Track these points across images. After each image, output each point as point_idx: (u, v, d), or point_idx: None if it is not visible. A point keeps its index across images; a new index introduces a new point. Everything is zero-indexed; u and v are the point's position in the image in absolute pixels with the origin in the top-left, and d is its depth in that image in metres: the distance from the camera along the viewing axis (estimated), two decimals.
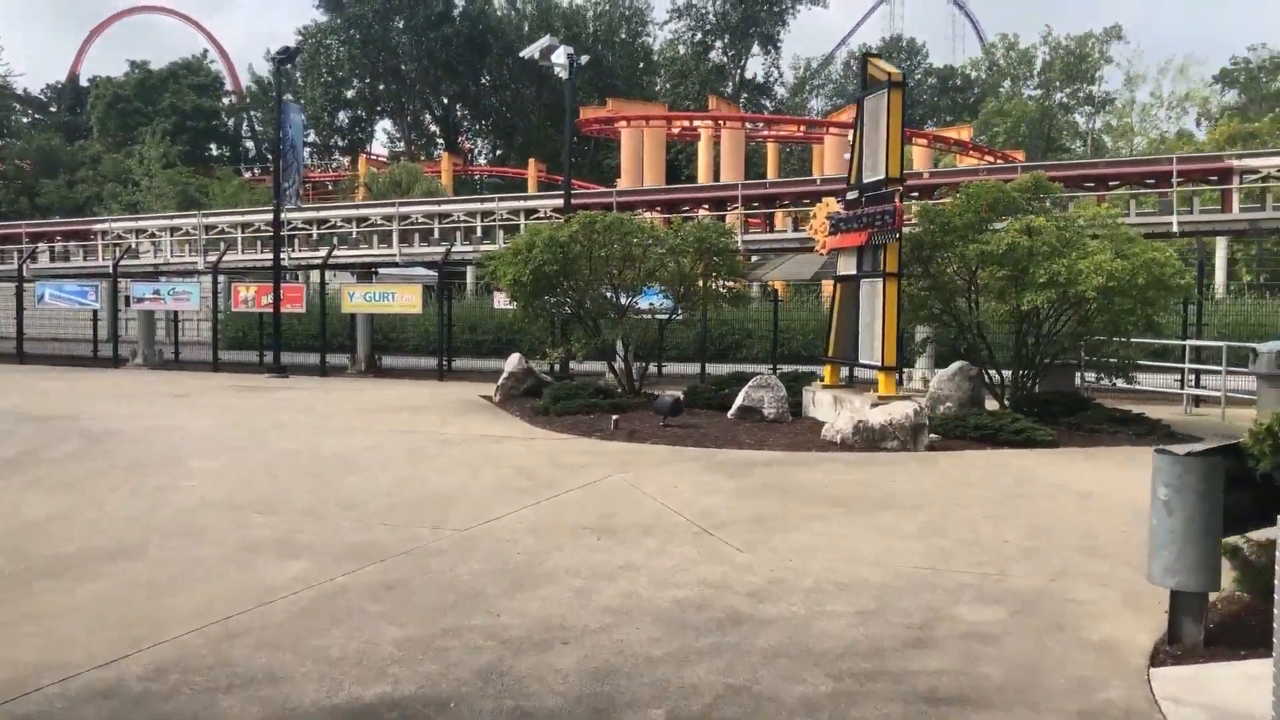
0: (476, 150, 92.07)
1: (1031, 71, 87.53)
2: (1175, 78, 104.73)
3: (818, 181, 25.17)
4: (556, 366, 21.90)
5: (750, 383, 15.94)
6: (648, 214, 22.66)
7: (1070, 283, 13.67)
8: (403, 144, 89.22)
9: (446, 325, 27.62)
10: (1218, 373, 17.85)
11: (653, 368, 21.54)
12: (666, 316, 18.40)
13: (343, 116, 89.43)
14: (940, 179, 23.45)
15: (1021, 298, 14.14)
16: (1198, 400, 18.91)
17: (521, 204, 26.68)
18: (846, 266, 15.74)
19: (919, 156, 52.55)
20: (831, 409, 15.40)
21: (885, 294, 14.25)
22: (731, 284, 18.24)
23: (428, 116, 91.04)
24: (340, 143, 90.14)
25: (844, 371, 17.96)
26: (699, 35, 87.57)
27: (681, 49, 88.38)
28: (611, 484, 10.68)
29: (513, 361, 19.42)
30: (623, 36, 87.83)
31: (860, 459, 12.56)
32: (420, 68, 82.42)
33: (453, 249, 26.18)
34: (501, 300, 24.04)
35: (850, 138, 15.50)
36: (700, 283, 17.77)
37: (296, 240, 28.82)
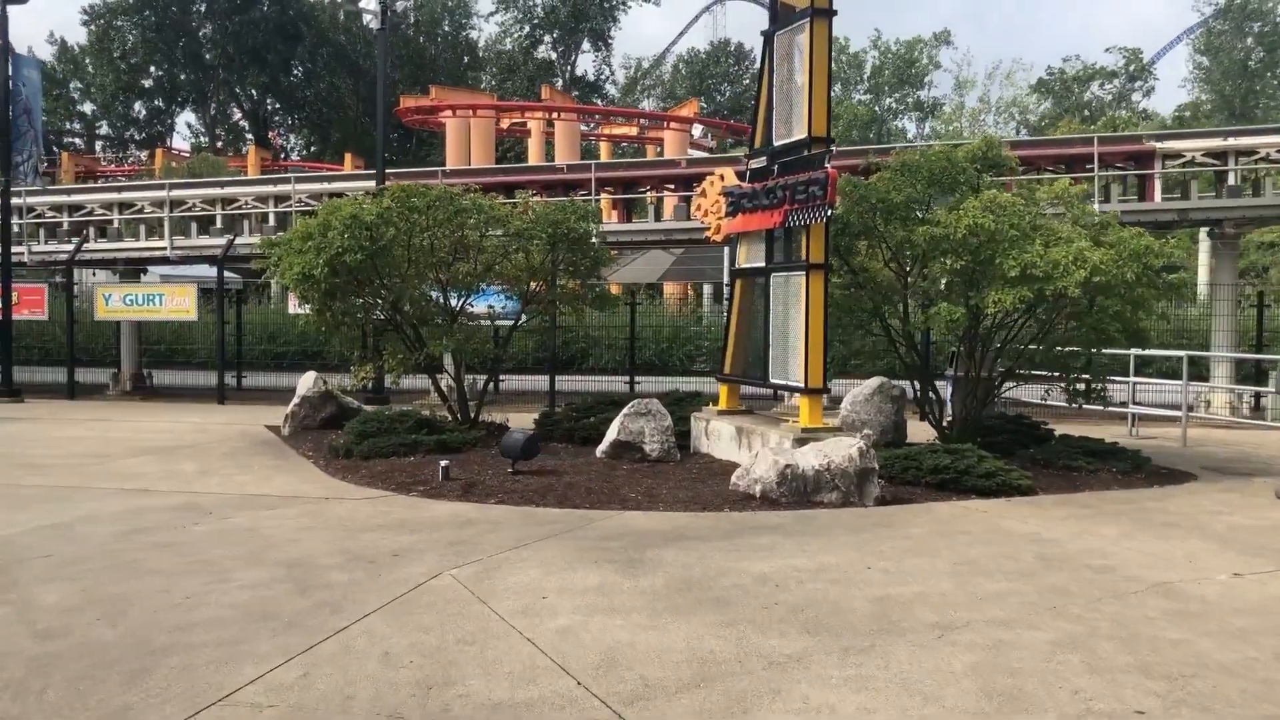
0: (289, 146, 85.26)
1: (862, 76, 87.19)
2: (1003, 83, 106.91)
3: (682, 164, 21.57)
4: (369, 386, 17.50)
5: (626, 410, 12.07)
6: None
7: (1049, 277, 10.37)
8: (207, 138, 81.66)
9: (235, 334, 22.72)
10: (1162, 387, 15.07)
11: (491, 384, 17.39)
12: (512, 323, 14.34)
13: (139, 107, 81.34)
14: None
15: (984, 297, 10.76)
16: (1135, 418, 16.12)
17: (325, 186, 22.05)
18: (751, 257, 12.06)
19: None
20: (735, 444, 11.68)
21: (809, 292, 10.64)
22: (594, 281, 14.31)
23: (235, 109, 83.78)
24: (137, 135, 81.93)
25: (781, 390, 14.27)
26: (527, 29, 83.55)
27: (509, 43, 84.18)
28: (440, 595, 6.61)
29: (306, 382, 14.96)
30: (446, 29, 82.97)
31: (798, 523, 8.87)
32: (225, 55, 75.39)
33: (237, 240, 21.31)
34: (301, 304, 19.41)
35: (758, 90, 11.86)
36: (549, 280, 13.81)
37: (42, 231, 23.33)
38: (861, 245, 12.08)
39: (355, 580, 6.91)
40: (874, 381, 13.78)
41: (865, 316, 11.97)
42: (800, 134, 10.89)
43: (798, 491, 9.70)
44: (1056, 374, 11.90)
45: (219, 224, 22.17)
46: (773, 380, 11.55)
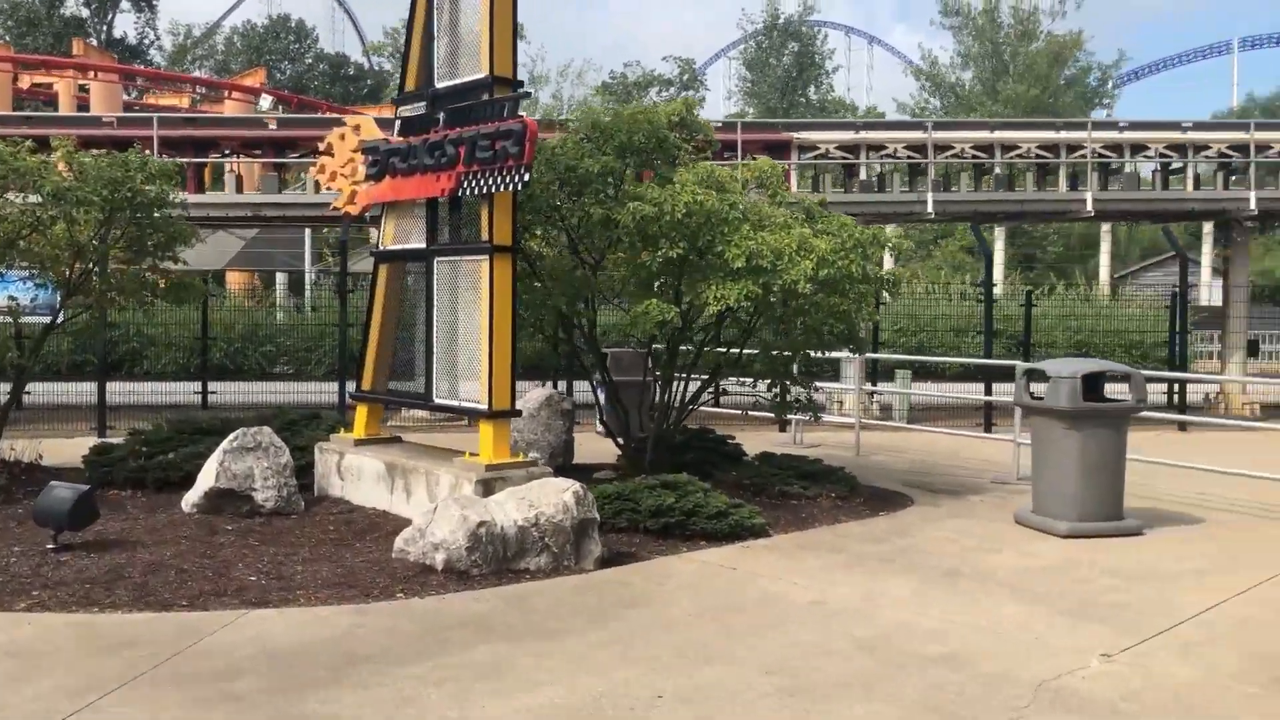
0: None
1: None
2: (575, 82, 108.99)
3: (272, 123, 17.76)
4: None
5: (227, 443, 8.68)
6: None
7: (775, 269, 8.51)
8: None
9: None
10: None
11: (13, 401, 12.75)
12: (51, 320, 10.26)
13: None
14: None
15: (703, 293, 8.69)
16: (784, 424, 15.02)
17: None
18: (404, 235, 9.13)
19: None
20: (385, 487, 8.75)
21: (494, 284, 8.00)
22: (170, 263, 10.54)
23: None
24: None
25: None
26: None
27: None
28: None
29: None
30: None
31: (513, 612, 6.23)
32: None
33: None
34: None
35: (411, 14, 8.92)
36: (99, 263, 10.00)
37: None
38: (540, 227, 9.62)
39: None
40: (541, 393, 11.41)
41: (549, 315, 9.49)
42: (478, 72, 8.19)
43: (496, 558, 7.04)
44: (767, 381, 10.09)
45: None
46: (438, 399, 8.75)
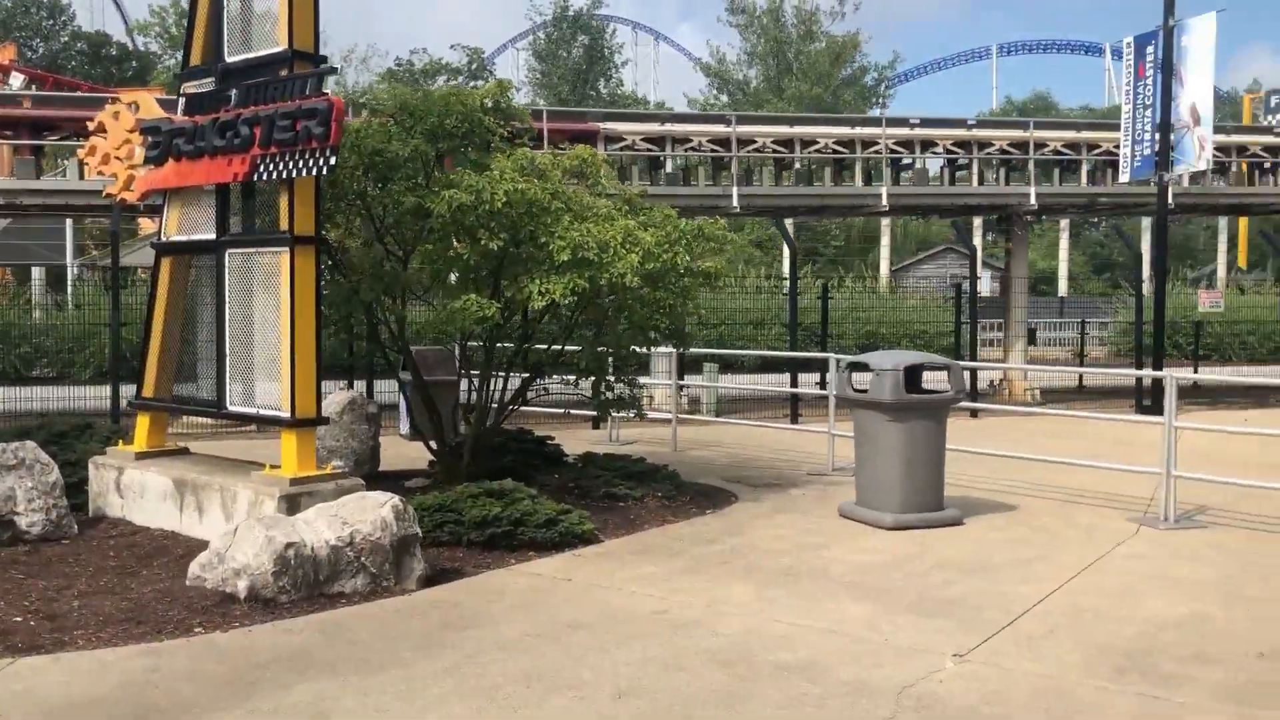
0: None
1: None
2: (359, 68, 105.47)
3: (26, 102, 15.99)
4: None
5: None
6: None
7: (602, 263, 8.15)
8: None
9: None
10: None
11: None
12: None
13: None
14: None
15: (525, 287, 8.22)
16: (597, 422, 14.73)
17: None
18: (191, 224, 8.20)
19: None
20: (174, 505, 7.86)
21: (295, 279, 7.28)
22: None
23: None
24: None
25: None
26: None
27: None
28: None
29: None
30: None
31: (331, 644, 5.61)
32: None
33: None
34: None
35: None
36: None
37: None
38: (339, 216, 8.90)
39: None
40: (343, 396, 10.68)
41: (356, 312, 8.79)
42: (275, 45, 7.42)
43: (307, 582, 6.37)
44: (591, 379, 9.68)
45: None
46: (232, 407, 7.92)
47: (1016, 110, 71.76)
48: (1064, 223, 55.71)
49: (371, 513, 6.65)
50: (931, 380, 9.56)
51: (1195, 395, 19.57)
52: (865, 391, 8.78)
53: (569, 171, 9.69)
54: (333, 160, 6.97)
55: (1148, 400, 17.35)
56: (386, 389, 15.48)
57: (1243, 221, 55.45)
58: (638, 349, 9.75)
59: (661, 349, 11.58)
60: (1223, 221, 53.84)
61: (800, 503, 9.62)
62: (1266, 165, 20.58)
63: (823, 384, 17.44)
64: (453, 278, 9.00)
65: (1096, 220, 63.01)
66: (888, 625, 6.02)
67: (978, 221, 53.20)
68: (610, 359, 9.68)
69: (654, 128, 17.71)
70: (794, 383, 15.92)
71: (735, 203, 16.91)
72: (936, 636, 5.83)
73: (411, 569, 6.72)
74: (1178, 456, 8.82)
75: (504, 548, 7.57)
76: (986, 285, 49.14)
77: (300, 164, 7.04)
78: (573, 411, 13.83)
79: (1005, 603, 6.48)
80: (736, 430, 14.41)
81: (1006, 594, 6.69)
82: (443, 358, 12.05)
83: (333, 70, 7.20)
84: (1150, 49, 17.18)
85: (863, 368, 9.05)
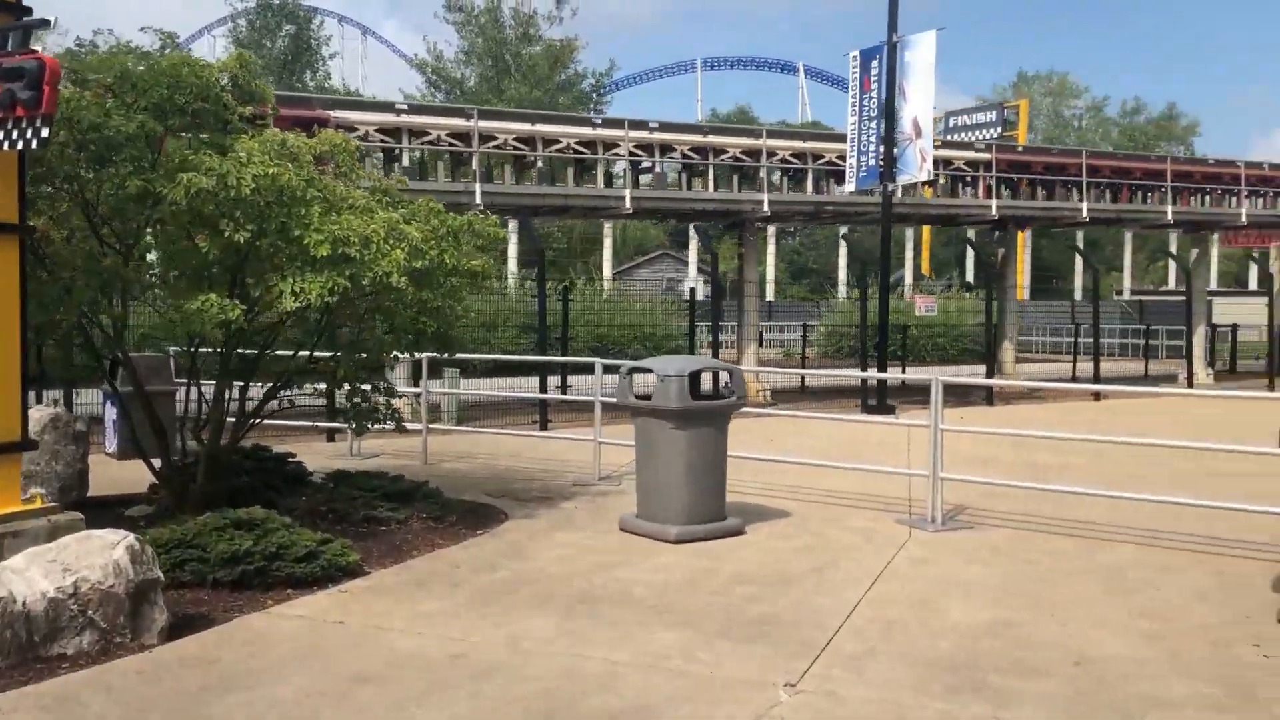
0: None
1: None
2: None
3: None
4: None
5: None
6: None
7: (365, 260, 7.30)
8: None
9: None
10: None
11: None
12: None
13: None
14: None
15: (276, 286, 7.22)
16: (332, 434, 13.62)
17: None
18: None
19: None
20: None
21: None
22: None
23: None
24: None
25: None
26: None
27: None
28: None
29: None
30: None
31: None
32: None
33: None
34: None
35: None
36: None
37: None
38: (42, 202, 7.52)
39: None
40: (44, 413, 9.14)
41: (68, 315, 7.43)
42: None
43: (19, 645, 5.19)
44: (346, 388, 8.71)
45: None
46: None
47: (720, 122, 74.66)
48: (770, 230, 58.57)
49: (100, 556, 5.52)
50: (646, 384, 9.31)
51: (908, 395, 20.75)
52: (648, 398, 8.38)
53: (318, 158, 8.72)
54: (45, 132, 5.73)
55: (873, 400, 18.13)
56: (89, 401, 13.73)
57: (926, 231, 60.42)
58: (401, 354, 8.91)
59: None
60: (909, 231, 58.32)
61: (576, 517, 9.10)
62: (968, 179, 22.11)
63: (564, 388, 17.07)
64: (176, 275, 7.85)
65: (795, 230, 66.65)
66: (707, 654, 5.60)
67: (693, 228, 54.83)
68: (372, 366, 8.78)
69: (389, 118, 16.67)
70: (543, 388, 15.40)
71: (479, 200, 16.16)
72: (762, 664, 5.46)
73: (152, 620, 5.64)
74: (941, 458, 8.98)
75: (257, 586, 6.58)
76: (701, 290, 50.90)
77: (4, 136, 5.76)
78: (300, 424, 12.71)
79: (816, 618, 6.24)
80: (487, 440, 13.74)
81: (815, 608, 6.45)
82: (156, 365, 10.67)
83: (44, 23, 5.94)
84: (875, 63, 17.97)
85: (638, 373, 8.66)
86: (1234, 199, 25.38)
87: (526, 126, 17.80)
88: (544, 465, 11.86)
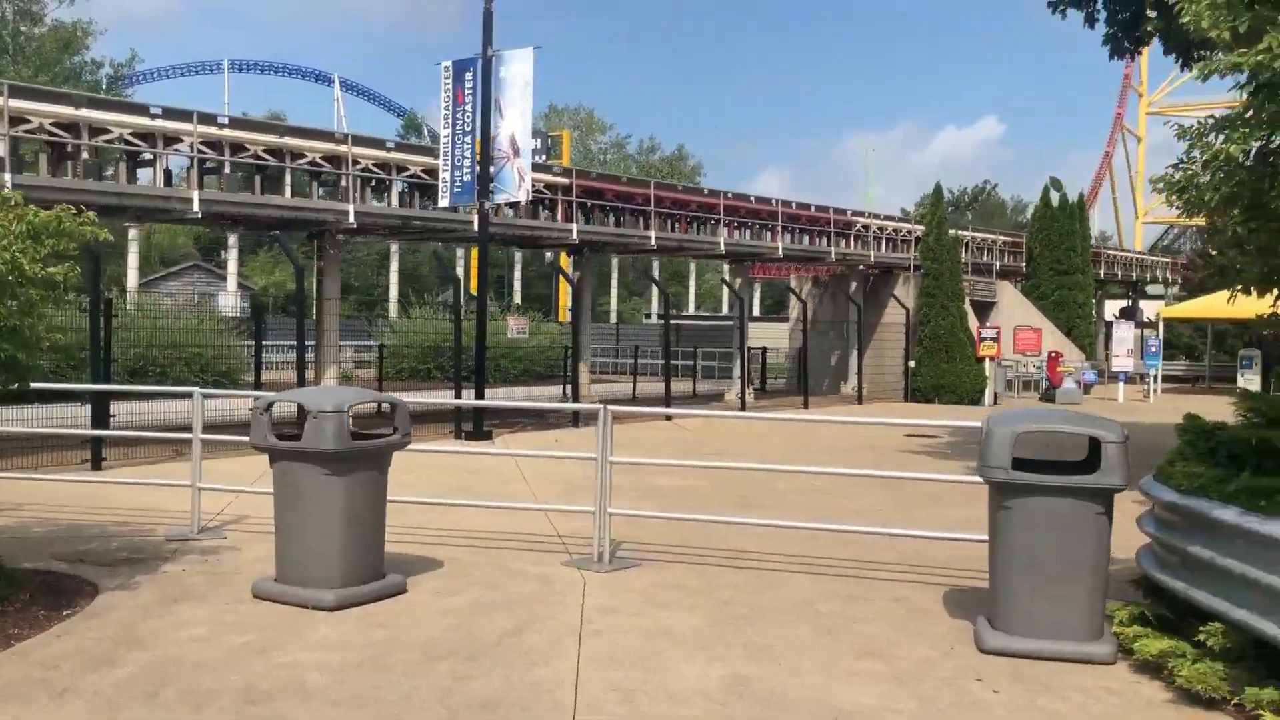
0: None
1: None
2: None
3: None
4: None
5: None
6: None
7: None
8: None
9: None
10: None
11: None
12: None
13: None
14: None
15: None
16: None
17: None
18: None
19: None
20: None
21: None
22: None
23: None
24: None
25: None
26: None
27: None
28: None
29: None
30: None
31: None
32: None
33: None
34: None
35: None
36: None
37: None
38: None
39: None
40: None
41: None
42: None
43: None
44: None
45: None
46: None
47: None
48: (394, 247, 55.96)
49: None
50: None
51: (493, 417, 20.24)
52: (295, 439, 6.99)
53: None
54: None
55: (468, 425, 17.36)
56: None
57: (474, 253, 60.85)
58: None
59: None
60: (459, 251, 58.32)
61: (193, 586, 7.41)
62: (546, 201, 22.10)
63: (105, 421, 14.50)
64: None
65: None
66: None
67: (233, 239, 50.98)
68: None
69: (66, 109, 13.37)
70: (101, 422, 12.94)
71: (6, 192, 13.25)
72: None
73: None
74: (610, 493, 8.43)
75: None
76: (236, 304, 47.17)
77: None
78: None
79: (548, 696, 5.35)
80: (25, 487, 11.06)
81: (536, 683, 5.55)
82: None
83: None
84: (469, 75, 17.28)
85: (268, 408, 7.22)
86: (769, 233, 27.72)
87: (69, 110, 14.97)
88: (119, 517, 9.78)
